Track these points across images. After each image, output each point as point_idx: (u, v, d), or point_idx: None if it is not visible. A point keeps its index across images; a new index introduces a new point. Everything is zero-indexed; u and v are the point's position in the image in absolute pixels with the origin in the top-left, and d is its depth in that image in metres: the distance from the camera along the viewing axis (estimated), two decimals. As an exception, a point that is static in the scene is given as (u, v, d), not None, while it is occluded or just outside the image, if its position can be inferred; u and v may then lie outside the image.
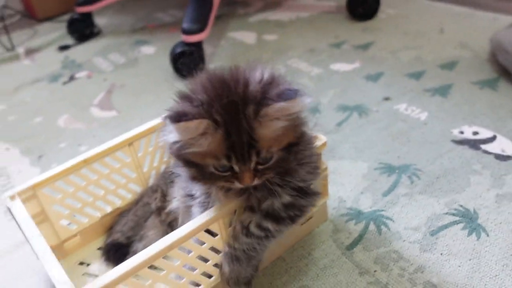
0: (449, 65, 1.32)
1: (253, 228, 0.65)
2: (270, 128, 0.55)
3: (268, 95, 0.55)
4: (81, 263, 0.85)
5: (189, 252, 0.66)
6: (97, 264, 0.84)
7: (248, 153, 0.56)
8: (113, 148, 0.84)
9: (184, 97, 0.59)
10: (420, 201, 0.88)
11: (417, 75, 1.29)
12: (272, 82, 0.57)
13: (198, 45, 1.40)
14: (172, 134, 0.57)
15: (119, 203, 0.90)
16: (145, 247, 0.79)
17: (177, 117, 0.53)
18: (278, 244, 0.71)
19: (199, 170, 0.59)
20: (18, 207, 0.72)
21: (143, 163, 0.90)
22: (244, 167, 0.57)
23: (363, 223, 0.85)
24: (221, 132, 0.54)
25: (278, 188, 0.62)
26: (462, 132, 1.05)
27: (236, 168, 0.57)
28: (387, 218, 0.86)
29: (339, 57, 1.45)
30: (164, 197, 0.85)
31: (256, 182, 0.59)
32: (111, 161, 0.86)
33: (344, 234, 0.84)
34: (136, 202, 0.90)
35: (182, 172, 0.65)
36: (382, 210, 0.87)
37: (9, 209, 0.72)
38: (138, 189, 0.92)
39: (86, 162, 0.82)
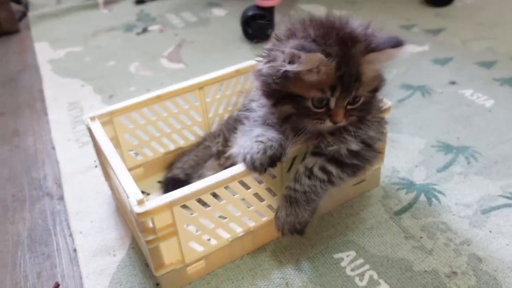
0: (523, 58, 1.28)
1: (316, 170, 0.68)
2: (373, 69, 0.63)
3: (376, 39, 0.62)
4: (142, 192, 0.91)
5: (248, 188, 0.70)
6: (156, 195, 0.90)
7: (353, 86, 0.62)
8: (185, 89, 0.89)
9: (289, 35, 0.64)
10: (474, 181, 0.88)
11: (488, 64, 1.26)
12: (371, 29, 0.64)
13: (270, 10, 1.43)
14: (283, 65, 0.60)
15: (182, 142, 0.96)
16: None
17: (303, 48, 0.58)
18: (329, 199, 0.74)
19: (296, 105, 0.64)
20: (97, 127, 0.79)
21: (210, 109, 0.95)
22: (340, 102, 0.63)
23: (414, 193, 0.87)
24: (333, 64, 0.59)
25: (349, 136, 0.67)
26: (528, 123, 1.03)
27: (332, 103, 0.63)
28: (439, 192, 0.87)
29: (408, 38, 1.42)
30: (226, 142, 0.90)
31: (344, 122, 0.65)
32: (182, 102, 0.91)
33: (393, 200, 0.86)
34: (197, 144, 0.95)
35: (267, 114, 0.71)
36: (435, 184, 0.88)
37: (89, 129, 0.79)
38: (201, 132, 0.97)
39: (159, 98, 0.87)
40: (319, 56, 0.58)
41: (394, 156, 0.96)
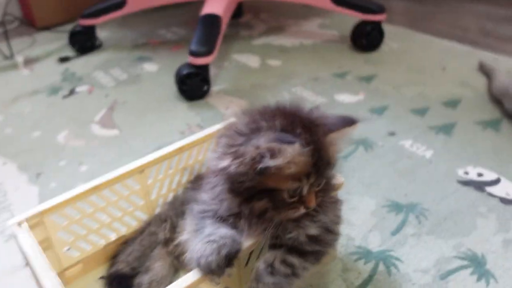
0: (452, 103, 1.34)
1: (278, 265, 0.64)
2: (334, 149, 0.63)
3: (330, 120, 0.63)
4: (83, 292, 0.82)
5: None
6: (100, 294, 0.81)
7: (326, 171, 0.62)
8: (125, 175, 0.82)
9: (253, 128, 0.61)
10: (428, 242, 0.88)
11: (422, 112, 1.31)
12: (321, 111, 0.66)
13: (205, 67, 1.39)
14: (263, 161, 0.57)
15: (124, 230, 0.88)
16: (150, 279, 0.79)
17: (283, 140, 0.56)
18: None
19: (272, 199, 0.61)
20: (24, 234, 0.70)
21: (152, 191, 0.88)
22: (312, 188, 0.62)
23: (373, 263, 0.85)
24: (309, 153, 0.58)
25: (307, 221, 0.65)
26: (467, 173, 1.06)
27: (305, 190, 0.61)
28: (396, 258, 0.85)
29: (343, 87, 1.46)
30: (174, 228, 0.83)
31: (315, 205, 0.63)
32: (120, 188, 0.84)
33: (353, 273, 0.83)
34: (141, 230, 0.87)
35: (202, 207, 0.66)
36: (391, 250, 0.87)
37: (15, 237, 0.70)
38: (144, 216, 0.90)
39: (96, 189, 0.79)
40: (298, 147, 0.57)
41: (347, 221, 0.94)
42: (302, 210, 0.63)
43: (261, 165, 0.57)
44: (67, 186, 1.08)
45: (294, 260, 0.65)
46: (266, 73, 1.58)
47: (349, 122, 0.64)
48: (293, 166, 0.59)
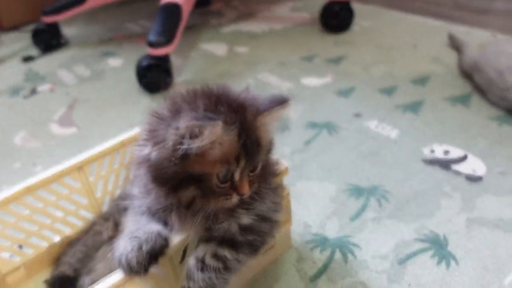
0: (421, 81, 1.29)
1: (208, 259, 0.59)
2: (266, 131, 0.59)
3: (260, 101, 0.59)
4: (25, 298, 0.78)
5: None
6: (43, 299, 0.78)
7: (256, 153, 0.57)
8: (60, 174, 0.78)
9: (174, 110, 0.57)
10: (388, 226, 0.84)
11: (389, 91, 1.26)
12: (251, 93, 0.61)
13: (165, 58, 1.35)
14: (184, 142, 0.53)
15: (68, 231, 0.84)
16: (93, 281, 0.74)
17: (204, 118, 0.53)
18: (239, 276, 0.66)
19: (199, 185, 0.56)
20: (-51, 241, 0.66)
21: (95, 188, 0.84)
22: (244, 173, 0.57)
23: (329, 251, 0.81)
24: (234, 133, 0.54)
25: (240, 209, 0.61)
26: (432, 151, 1.01)
27: (237, 175, 0.57)
28: (354, 245, 0.81)
29: (311, 71, 1.41)
30: (117, 226, 0.79)
31: (249, 192, 0.59)
32: (59, 187, 0.79)
33: (308, 263, 0.79)
34: (86, 230, 0.83)
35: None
36: (349, 236, 0.83)
37: None
38: (90, 216, 0.85)
39: (29, 190, 0.75)
40: (220, 124, 0.52)
41: (304, 208, 0.90)
42: (235, 198, 0.58)
43: (182, 148, 0.53)
44: (19, 189, 1.04)
45: (226, 252, 0.60)
46: (233, 61, 1.53)
47: (280, 101, 0.59)
48: (218, 147, 0.54)
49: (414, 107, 1.18)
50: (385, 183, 0.94)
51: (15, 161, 1.14)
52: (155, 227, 0.60)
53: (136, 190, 0.65)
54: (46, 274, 0.82)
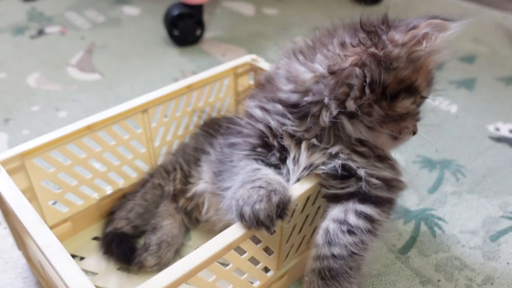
0: (468, 59, 1.24)
1: (355, 220, 0.50)
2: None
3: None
4: (73, 256, 0.67)
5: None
6: (94, 259, 0.66)
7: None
8: (125, 113, 0.67)
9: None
10: (470, 202, 0.79)
11: (438, 65, 1.20)
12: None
13: (199, 8, 1.22)
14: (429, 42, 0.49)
15: (121, 183, 0.73)
16: (160, 240, 0.65)
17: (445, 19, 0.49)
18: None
19: (414, 101, 0.53)
20: (4, 180, 0.53)
21: (155, 136, 0.73)
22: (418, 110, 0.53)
23: (413, 223, 0.74)
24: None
25: (377, 162, 0.54)
26: (498, 129, 0.97)
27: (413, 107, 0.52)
28: (439, 218, 0.75)
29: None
30: (186, 179, 0.69)
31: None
32: (120, 131, 0.68)
33: (393, 234, 0.72)
34: (143, 183, 0.73)
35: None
36: (432, 209, 0.77)
37: (-11, 182, 0.53)
38: (145, 167, 0.75)
39: (90, 129, 0.64)
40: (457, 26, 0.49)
41: (376, 177, 0.83)
42: (410, 134, 0.56)
43: (425, 45, 0.49)
44: (43, 133, 0.90)
45: (371, 210, 0.51)
46: (263, 22, 1.42)
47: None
48: (432, 61, 0.52)
49: (467, 84, 1.12)
50: (456, 157, 0.88)
51: (33, 104, 1.00)
52: (277, 176, 0.51)
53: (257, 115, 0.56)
54: (93, 230, 0.71)
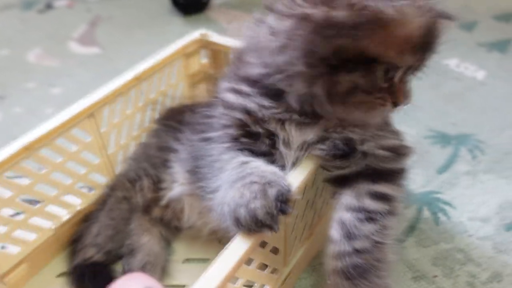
0: (505, 17, 1.09)
1: (371, 204, 0.44)
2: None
3: None
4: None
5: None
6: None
7: (428, 57, 0.44)
8: (68, 122, 0.57)
9: None
10: (486, 183, 0.69)
11: (468, 26, 1.06)
12: None
13: (204, -27, 1.15)
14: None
15: (78, 204, 0.64)
16: (142, 262, 0.58)
17: None
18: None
19: (365, 74, 0.41)
20: None
21: (108, 142, 0.64)
22: (406, 75, 0.44)
23: (415, 208, 0.65)
24: (424, 21, 0.41)
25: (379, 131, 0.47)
26: (531, 98, 0.84)
27: (398, 76, 0.43)
28: (446, 203, 0.66)
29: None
30: (156, 185, 0.62)
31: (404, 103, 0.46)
32: (65, 144, 0.59)
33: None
34: (104, 199, 0.64)
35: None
36: (439, 192, 0.68)
37: None
38: (103, 180, 0.66)
39: (28, 150, 0.54)
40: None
41: (379, 155, 0.74)
42: (388, 105, 0.44)
43: (372, 8, 0.38)
44: (35, 112, 0.88)
45: (386, 188, 0.45)
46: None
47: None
48: (408, 25, 0.40)
49: (501, 46, 0.99)
50: (476, 131, 0.78)
51: (29, 80, 0.98)
52: (270, 166, 0.43)
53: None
54: (56, 266, 0.62)
